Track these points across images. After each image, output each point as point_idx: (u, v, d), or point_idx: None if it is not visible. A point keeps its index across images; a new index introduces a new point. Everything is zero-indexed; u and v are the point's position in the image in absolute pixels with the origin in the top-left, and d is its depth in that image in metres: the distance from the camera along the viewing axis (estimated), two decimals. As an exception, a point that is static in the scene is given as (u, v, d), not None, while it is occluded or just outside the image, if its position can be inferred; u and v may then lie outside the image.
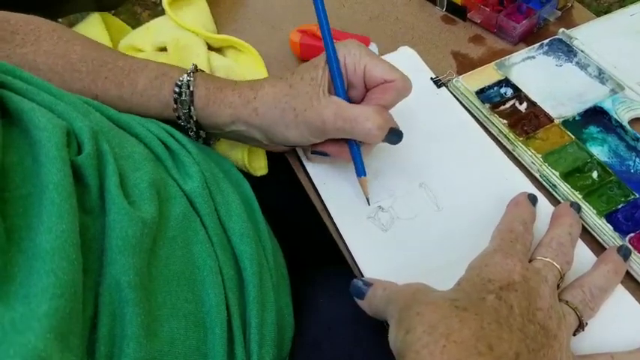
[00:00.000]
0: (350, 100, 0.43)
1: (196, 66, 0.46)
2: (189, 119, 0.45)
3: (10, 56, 0.43)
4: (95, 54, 0.45)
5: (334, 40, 0.43)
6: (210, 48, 0.58)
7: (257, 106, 0.43)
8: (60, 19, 0.68)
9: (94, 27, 0.60)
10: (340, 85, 0.42)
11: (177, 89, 0.44)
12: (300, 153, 0.50)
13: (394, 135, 0.43)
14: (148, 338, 0.31)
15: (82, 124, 0.33)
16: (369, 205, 0.46)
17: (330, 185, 0.48)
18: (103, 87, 0.44)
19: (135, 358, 0.30)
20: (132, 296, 0.30)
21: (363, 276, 0.42)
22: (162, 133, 0.41)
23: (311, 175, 0.49)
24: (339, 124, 0.41)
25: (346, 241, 0.44)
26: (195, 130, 0.46)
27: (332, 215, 0.46)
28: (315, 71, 0.42)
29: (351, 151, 0.45)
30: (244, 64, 0.57)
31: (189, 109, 0.44)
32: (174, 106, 0.44)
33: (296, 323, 0.45)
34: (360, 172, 0.45)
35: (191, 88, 0.44)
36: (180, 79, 0.44)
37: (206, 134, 0.47)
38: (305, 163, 0.49)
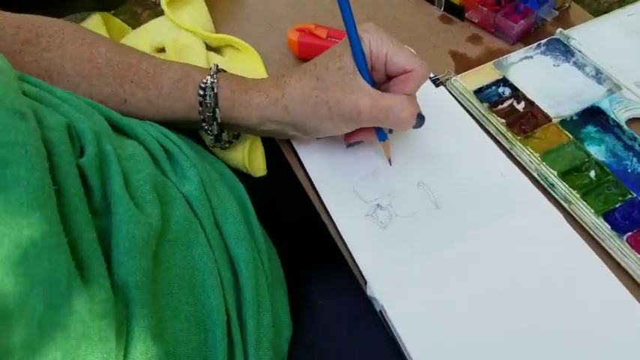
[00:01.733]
0: (375, 85, 0.44)
1: (217, 66, 0.46)
2: (212, 122, 0.45)
3: (38, 61, 0.43)
4: (119, 57, 0.45)
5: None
6: (208, 48, 0.58)
7: (286, 104, 0.43)
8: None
9: (94, 27, 0.61)
10: (366, 72, 0.42)
11: (201, 92, 0.44)
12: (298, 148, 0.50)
13: (420, 119, 0.44)
14: (153, 340, 0.31)
15: (84, 126, 0.33)
16: (390, 165, 0.49)
17: (329, 184, 0.48)
18: (130, 91, 0.44)
19: (141, 359, 0.30)
20: (139, 297, 0.30)
21: (361, 274, 0.42)
22: (159, 135, 0.41)
23: (310, 173, 0.49)
24: (374, 114, 0.42)
25: (345, 239, 0.44)
26: (216, 133, 0.46)
27: (331, 213, 0.46)
28: (341, 60, 0.42)
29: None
30: (243, 63, 0.57)
31: (214, 111, 0.44)
32: (200, 108, 0.44)
33: (294, 323, 0.45)
34: (382, 136, 0.47)
35: (215, 90, 0.44)
36: (204, 81, 0.44)
37: (229, 138, 0.47)
38: (304, 161, 0.50)
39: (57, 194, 0.28)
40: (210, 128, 0.45)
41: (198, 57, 0.55)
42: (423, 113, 0.50)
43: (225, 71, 0.47)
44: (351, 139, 0.47)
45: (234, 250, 0.39)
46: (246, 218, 0.44)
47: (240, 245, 0.39)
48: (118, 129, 0.40)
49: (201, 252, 0.37)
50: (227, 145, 0.49)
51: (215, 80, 0.44)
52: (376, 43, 0.42)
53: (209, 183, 0.41)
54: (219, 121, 0.45)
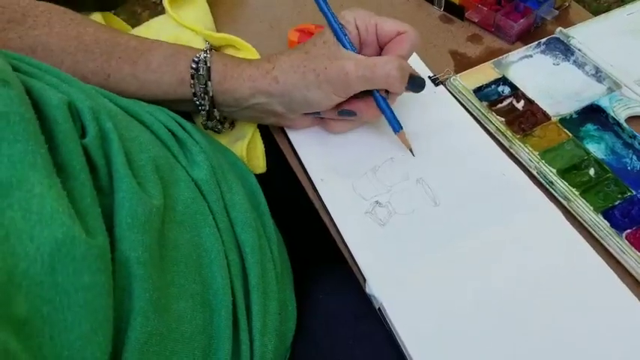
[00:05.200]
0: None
1: (211, 45, 0.47)
2: (204, 95, 0.46)
3: (22, 37, 0.43)
4: (107, 35, 0.45)
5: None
6: (209, 46, 0.58)
7: (276, 74, 0.45)
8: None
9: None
10: (347, 43, 0.45)
11: (194, 65, 0.45)
12: (295, 141, 0.50)
13: (415, 82, 0.46)
14: (155, 314, 0.31)
15: (83, 105, 0.33)
16: (413, 155, 0.48)
17: (328, 181, 0.48)
18: (116, 66, 0.45)
19: (142, 332, 0.30)
20: (140, 272, 0.31)
21: (360, 270, 0.42)
22: (169, 121, 0.42)
23: (309, 171, 0.49)
24: (360, 72, 0.43)
25: (344, 236, 0.44)
26: (208, 108, 0.46)
27: (330, 211, 0.46)
28: (324, 36, 0.45)
29: (380, 106, 0.47)
30: (243, 62, 0.57)
31: (206, 84, 0.45)
32: (191, 81, 0.45)
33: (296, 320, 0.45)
34: (396, 126, 0.47)
35: (208, 64, 0.45)
36: (198, 55, 0.45)
37: (219, 116, 0.48)
38: (302, 159, 0.50)
39: (63, 170, 0.28)
40: (202, 102, 0.46)
41: (199, 55, 0.55)
42: (423, 112, 0.50)
43: (217, 50, 0.48)
44: (344, 106, 0.48)
45: (241, 236, 0.40)
46: (257, 207, 0.44)
47: (247, 231, 0.40)
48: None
49: (208, 234, 0.37)
50: (219, 127, 0.49)
51: (208, 55, 0.45)
52: (362, 18, 0.45)
53: (219, 170, 0.41)
54: (210, 94, 0.45)
